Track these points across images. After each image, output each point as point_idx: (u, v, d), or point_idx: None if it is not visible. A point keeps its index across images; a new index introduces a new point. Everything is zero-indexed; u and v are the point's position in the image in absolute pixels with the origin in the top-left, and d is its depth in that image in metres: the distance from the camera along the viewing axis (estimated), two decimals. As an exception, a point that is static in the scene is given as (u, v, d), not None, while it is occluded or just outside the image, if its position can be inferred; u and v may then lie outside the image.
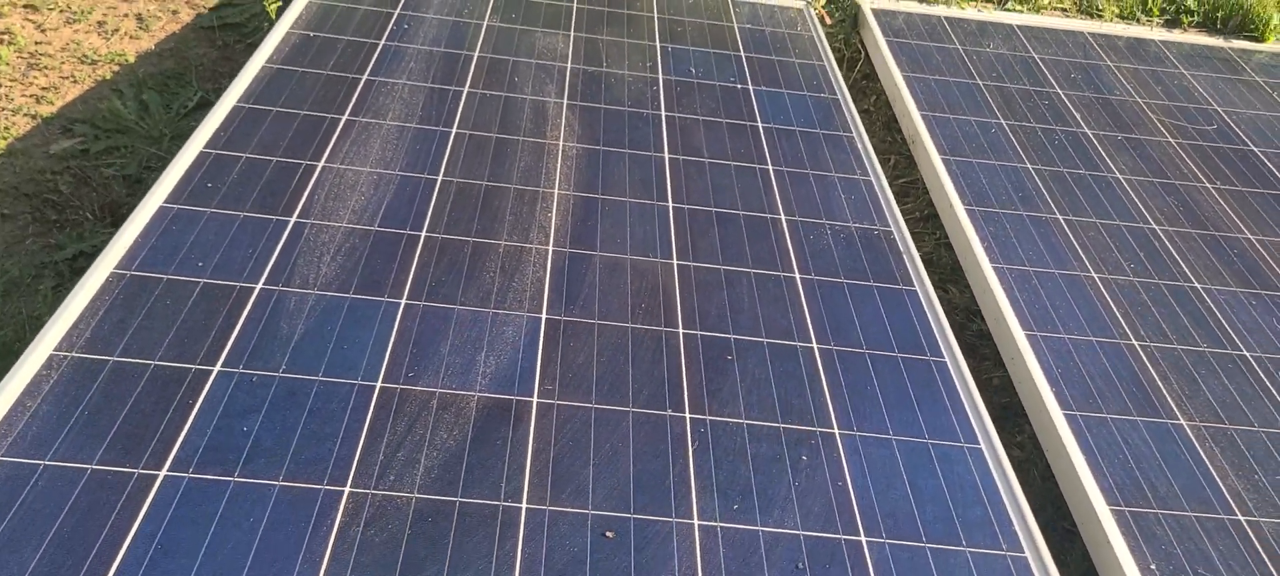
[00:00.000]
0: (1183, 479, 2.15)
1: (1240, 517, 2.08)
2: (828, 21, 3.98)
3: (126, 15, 3.77)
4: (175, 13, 3.82)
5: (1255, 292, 2.73)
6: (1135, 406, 2.32)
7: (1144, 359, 2.45)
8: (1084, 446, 2.20)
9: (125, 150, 3.17)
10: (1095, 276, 2.70)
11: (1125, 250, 2.82)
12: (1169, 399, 2.35)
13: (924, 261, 3.23)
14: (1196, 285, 2.73)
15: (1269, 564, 1.98)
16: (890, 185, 3.55)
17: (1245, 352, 2.52)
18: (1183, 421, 2.30)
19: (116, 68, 3.52)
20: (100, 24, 3.70)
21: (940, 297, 3.12)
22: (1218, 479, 2.16)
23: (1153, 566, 1.94)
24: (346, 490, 1.69)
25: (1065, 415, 2.27)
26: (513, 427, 1.86)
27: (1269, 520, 2.08)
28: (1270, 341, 2.56)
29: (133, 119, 3.28)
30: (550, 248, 2.37)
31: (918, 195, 3.41)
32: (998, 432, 2.36)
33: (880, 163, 3.63)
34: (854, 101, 3.88)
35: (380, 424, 1.83)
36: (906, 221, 3.40)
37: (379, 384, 1.91)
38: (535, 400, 1.93)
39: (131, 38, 3.67)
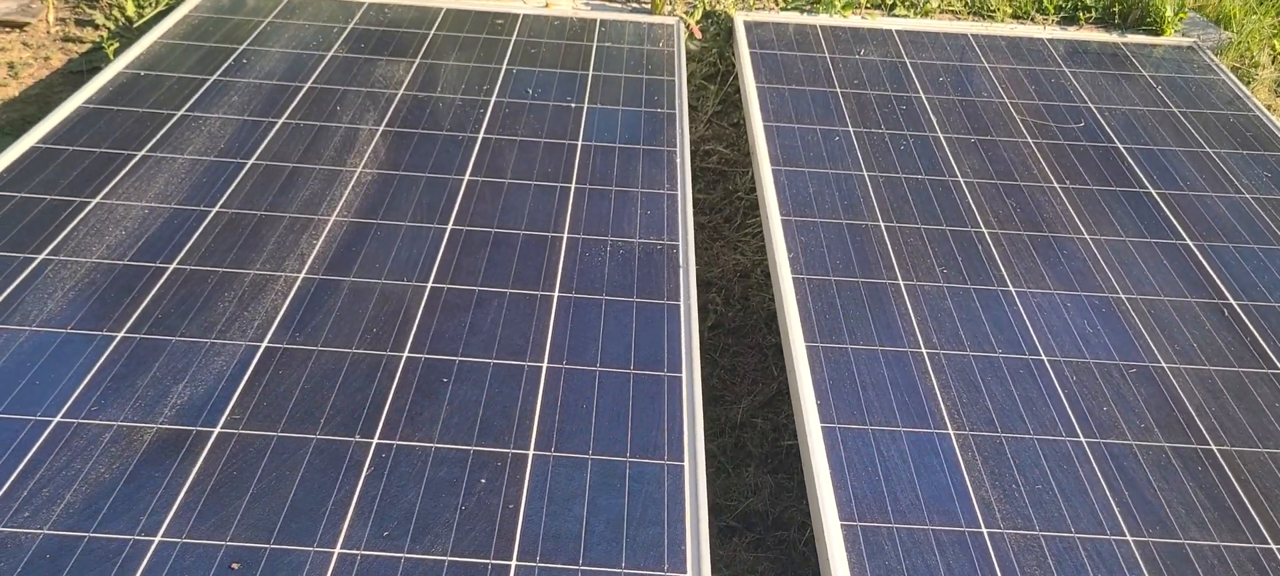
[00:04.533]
0: (930, 491, 2.04)
1: (984, 530, 1.97)
2: (699, 36, 3.92)
3: (-2, 65, 3.83)
4: (47, 59, 3.87)
5: (1073, 294, 2.60)
6: (902, 418, 2.21)
7: (928, 367, 2.34)
8: (834, 460, 2.10)
9: (-28, 196, 3.20)
10: (902, 284, 2.60)
11: (943, 254, 2.71)
12: (942, 408, 2.24)
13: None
14: (1009, 288, 2.61)
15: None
16: (747, 194, 3.47)
17: (1043, 356, 2.40)
18: (950, 431, 2.19)
19: (-22, 116, 3.56)
20: (-29, 75, 3.76)
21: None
22: (971, 489, 2.05)
23: (868, 586, 1.84)
24: (-27, 529, 1.66)
25: (823, 428, 2.18)
26: (180, 460, 1.82)
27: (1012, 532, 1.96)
28: (1076, 344, 2.44)
29: (-17, 165, 3.32)
30: (301, 275, 2.33)
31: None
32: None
33: (741, 174, 3.55)
34: (725, 113, 3.81)
35: (39, 460, 1.79)
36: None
37: (56, 419, 1.88)
38: (216, 431, 1.89)
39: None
